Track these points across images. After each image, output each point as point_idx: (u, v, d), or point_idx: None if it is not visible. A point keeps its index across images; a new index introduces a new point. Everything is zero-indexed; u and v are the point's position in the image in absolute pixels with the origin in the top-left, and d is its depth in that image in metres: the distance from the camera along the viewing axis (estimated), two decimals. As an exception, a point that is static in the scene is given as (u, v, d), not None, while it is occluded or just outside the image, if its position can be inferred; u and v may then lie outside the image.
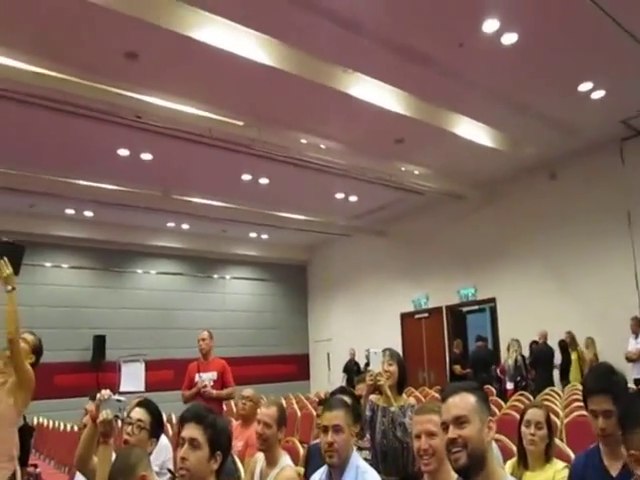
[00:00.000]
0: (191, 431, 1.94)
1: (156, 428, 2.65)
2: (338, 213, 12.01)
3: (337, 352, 13.87)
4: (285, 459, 2.89)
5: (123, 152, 8.36)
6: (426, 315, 12.31)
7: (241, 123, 7.40)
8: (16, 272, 3.20)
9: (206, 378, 5.22)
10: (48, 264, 12.07)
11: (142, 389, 5.31)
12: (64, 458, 6.57)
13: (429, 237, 11.83)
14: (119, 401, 2.60)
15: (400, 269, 12.60)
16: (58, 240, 11.89)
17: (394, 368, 3.38)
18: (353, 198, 10.99)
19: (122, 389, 5.18)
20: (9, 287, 3.15)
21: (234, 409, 6.84)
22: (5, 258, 3.11)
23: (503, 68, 6.54)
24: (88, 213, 11.19)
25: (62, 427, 7.32)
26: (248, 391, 4.57)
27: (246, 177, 9.63)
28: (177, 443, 2.06)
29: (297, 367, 14.94)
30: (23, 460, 4.44)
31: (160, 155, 8.51)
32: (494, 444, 1.96)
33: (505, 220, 10.43)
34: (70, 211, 11.04)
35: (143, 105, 6.71)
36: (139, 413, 2.62)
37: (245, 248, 14.19)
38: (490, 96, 7.15)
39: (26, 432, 4.66)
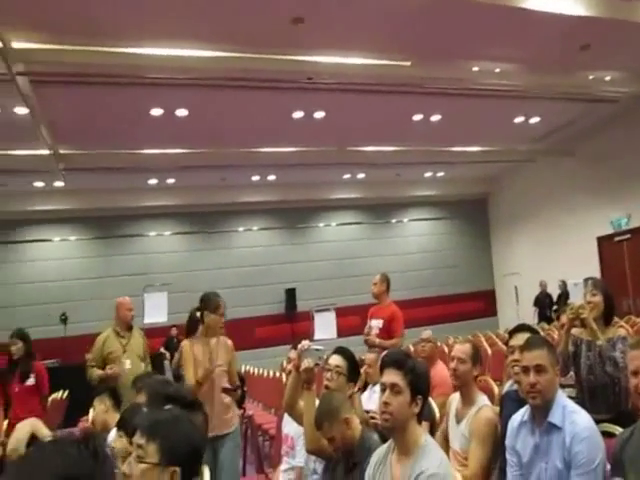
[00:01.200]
0: (392, 376, 1.97)
1: (352, 373, 2.77)
2: (518, 139, 11.25)
3: (525, 285, 13.24)
4: (482, 398, 2.81)
5: (297, 114, 8.72)
6: (628, 237, 11.13)
7: (408, 63, 7.24)
8: None
9: (374, 325, 5.06)
10: (241, 229, 13.24)
11: (334, 336, 5.54)
12: (269, 401, 7.17)
13: (625, 149, 10.54)
14: (317, 350, 2.78)
15: (593, 190, 11.48)
16: (247, 206, 12.93)
17: (598, 298, 3.14)
18: (534, 119, 10.18)
19: (316, 337, 5.46)
20: None
21: (412, 351, 6.92)
22: None
23: None
24: (271, 177, 11.97)
25: (265, 374, 8.02)
26: (427, 333, 4.58)
27: (417, 117, 9.45)
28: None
29: (483, 304, 14.62)
30: (240, 403, 5.09)
31: (332, 111, 8.70)
32: None
33: None
34: (255, 178, 11.91)
35: (313, 66, 6.89)
36: (336, 360, 2.77)
37: (421, 189, 14.06)
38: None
39: (240, 380, 5.28)
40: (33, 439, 1.61)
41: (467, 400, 2.81)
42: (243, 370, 9.68)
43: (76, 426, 6.89)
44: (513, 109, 9.56)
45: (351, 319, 11.38)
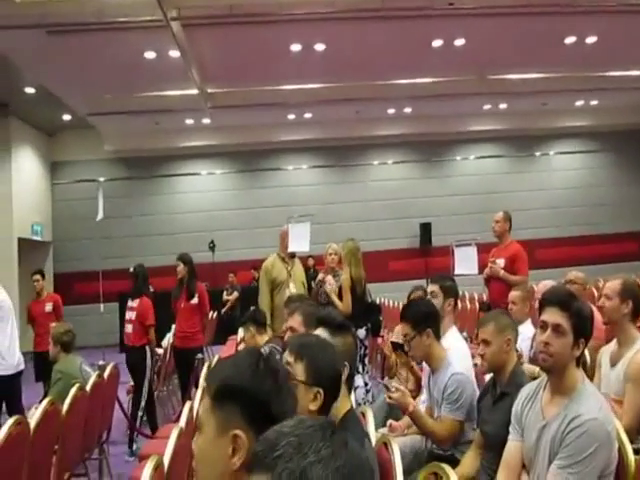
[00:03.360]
0: (555, 317, 1.88)
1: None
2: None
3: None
4: None
5: (437, 43, 8.36)
6: None
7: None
8: None
9: (500, 263, 4.91)
10: (376, 162, 13.27)
11: (475, 271, 5.45)
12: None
13: None
14: None
15: None
16: (382, 139, 12.85)
17: None
18: None
19: (456, 272, 5.41)
20: None
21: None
22: None
23: None
24: (407, 109, 11.72)
25: (396, 305, 8.23)
26: (573, 274, 4.34)
27: (569, 40, 8.59)
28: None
29: (638, 246, 13.39)
30: (375, 331, 5.30)
31: (474, 38, 8.21)
32: None
33: None
34: (391, 110, 11.75)
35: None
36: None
37: (570, 119, 12.91)
38: None
39: (374, 308, 5.47)
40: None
41: (623, 341, 2.63)
42: (378, 302, 10.01)
43: (224, 344, 7.72)
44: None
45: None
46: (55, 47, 7.48)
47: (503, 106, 12.04)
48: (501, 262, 4.84)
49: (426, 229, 12.72)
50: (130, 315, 5.19)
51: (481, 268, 5.25)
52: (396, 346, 3.77)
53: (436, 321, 2.72)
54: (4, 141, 10.78)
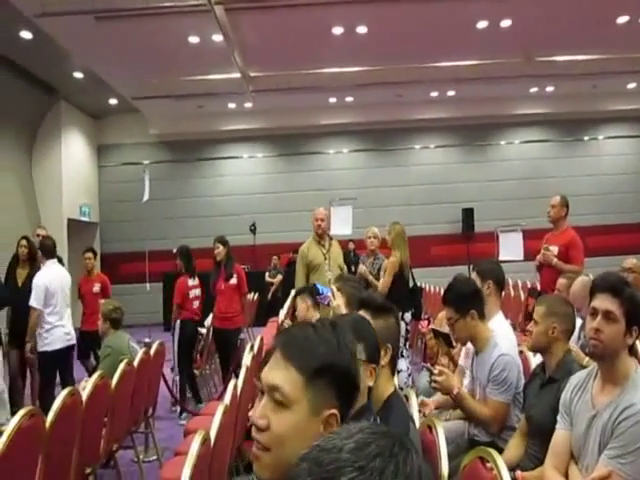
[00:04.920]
0: (606, 303, 1.83)
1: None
2: None
3: None
4: None
5: (482, 24, 8.17)
6: None
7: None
8: None
9: (553, 250, 4.68)
10: (417, 146, 13.10)
11: (520, 257, 5.35)
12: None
13: None
14: None
15: None
16: (424, 123, 12.67)
17: None
18: None
19: (501, 257, 5.33)
20: None
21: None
22: None
23: None
24: (450, 92, 11.51)
25: (438, 290, 8.18)
26: (630, 261, 4.23)
27: (622, 19, 8.27)
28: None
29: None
30: (417, 315, 5.27)
31: (520, 18, 7.99)
32: None
33: None
34: (434, 94, 11.55)
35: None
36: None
37: (621, 102, 12.42)
38: None
39: (417, 292, 5.45)
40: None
41: None
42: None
43: (265, 325, 7.83)
44: None
45: (538, 243, 11.09)
46: (103, 32, 7.65)
47: (550, 89, 11.67)
48: (555, 249, 4.63)
49: (468, 214, 12.54)
50: (195, 292, 5.62)
51: (526, 254, 5.14)
52: (437, 334, 3.75)
53: (480, 301, 2.68)
54: (55, 125, 11.13)
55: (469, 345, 2.82)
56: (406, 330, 4.92)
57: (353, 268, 7.46)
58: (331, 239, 5.18)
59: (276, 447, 1.00)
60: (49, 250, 5.03)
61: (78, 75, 9.97)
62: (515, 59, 9.54)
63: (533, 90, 11.71)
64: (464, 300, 2.63)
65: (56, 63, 9.27)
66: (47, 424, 2.37)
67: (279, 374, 1.02)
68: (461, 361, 3.16)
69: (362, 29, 8.11)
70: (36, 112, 10.84)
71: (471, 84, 10.66)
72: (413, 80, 10.15)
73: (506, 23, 8.16)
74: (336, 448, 0.63)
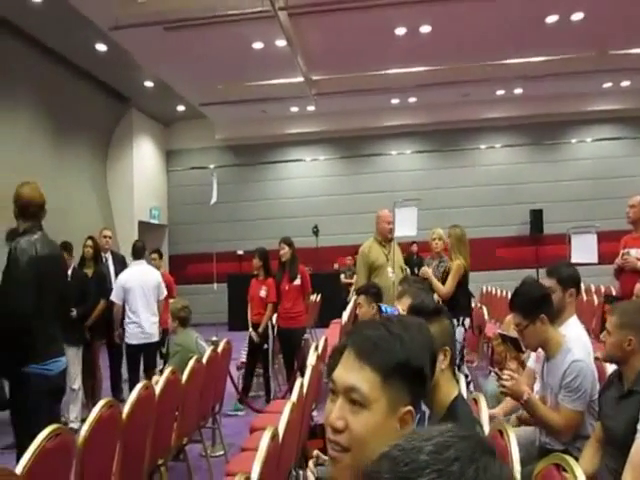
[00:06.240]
0: None
1: None
2: None
3: None
4: None
5: (551, 19, 7.89)
6: None
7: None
8: None
9: (634, 254, 4.34)
10: (483, 146, 12.78)
11: (595, 260, 5.10)
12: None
13: None
14: None
15: None
16: (490, 122, 12.37)
17: None
18: None
19: (574, 260, 5.10)
20: None
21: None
22: None
23: None
24: (517, 90, 11.18)
25: (504, 294, 7.89)
26: None
27: None
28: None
29: None
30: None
31: (594, 10, 7.65)
32: None
33: None
34: (500, 92, 11.26)
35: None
36: None
37: None
38: None
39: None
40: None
41: None
42: (484, 290, 9.66)
43: (327, 327, 7.86)
44: None
45: (612, 245, 10.46)
46: (171, 42, 7.95)
47: (626, 84, 11.12)
48: (636, 252, 4.35)
49: (537, 216, 12.13)
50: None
51: (600, 257, 4.91)
52: (505, 338, 3.64)
53: (549, 305, 2.56)
54: (127, 132, 11.66)
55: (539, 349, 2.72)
56: (463, 337, 4.81)
57: (416, 270, 7.38)
58: (391, 240, 5.15)
59: (357, 447, 1.00)
60: (136, 251, 5.37)
61: (148, 84, 10.41)
62: (587, 53, 9.18)
63: (606, 85, 11.18)
64: (533, 305, 2.52)
65: (128, 73, 9.72)
66: (124, 415, 2.49)
67: (355, 375, 1.01)
68: (530, 363, 3.05)
69: (426, 28, 8.02)
70: (110, 120, 11.40)
71: (540, 81, 10.32)
72: (478, 79, 9.96)
73: (578, 16, 7.84)
74: (416, 449, 0.63)
